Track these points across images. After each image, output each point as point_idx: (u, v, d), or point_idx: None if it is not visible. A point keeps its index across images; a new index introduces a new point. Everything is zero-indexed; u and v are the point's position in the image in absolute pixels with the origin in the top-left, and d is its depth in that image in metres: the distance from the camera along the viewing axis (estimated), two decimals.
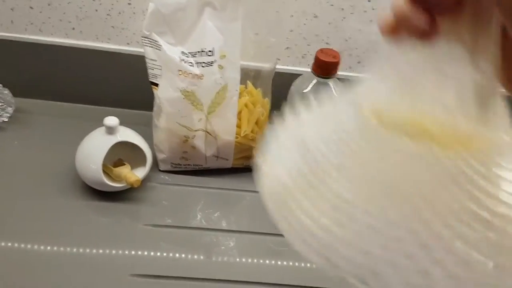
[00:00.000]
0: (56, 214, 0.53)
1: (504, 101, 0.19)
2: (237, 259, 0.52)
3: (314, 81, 0.55)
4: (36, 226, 0.52)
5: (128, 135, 0.55)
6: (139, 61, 0.56)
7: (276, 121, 0.25)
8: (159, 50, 0.52)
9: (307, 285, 0.50)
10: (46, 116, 0.66)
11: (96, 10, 0.63)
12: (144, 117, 0.63)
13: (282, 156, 0.23)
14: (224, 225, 0.56)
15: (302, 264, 0.52)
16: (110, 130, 0.53)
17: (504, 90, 0.19)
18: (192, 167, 0.61)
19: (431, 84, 0.19)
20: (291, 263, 0.52)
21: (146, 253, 0.51)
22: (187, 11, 0.51)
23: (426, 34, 0.18)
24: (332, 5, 0.63)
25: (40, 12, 0.63)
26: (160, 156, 0.60)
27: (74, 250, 0.50)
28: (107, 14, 0.64)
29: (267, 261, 0.52)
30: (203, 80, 0.53)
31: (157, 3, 0.50)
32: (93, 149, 0.54)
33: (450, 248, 0.18)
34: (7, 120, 0.63)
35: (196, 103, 0.54)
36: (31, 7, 0.63)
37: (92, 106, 0.69)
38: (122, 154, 0.56)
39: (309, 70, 0.55)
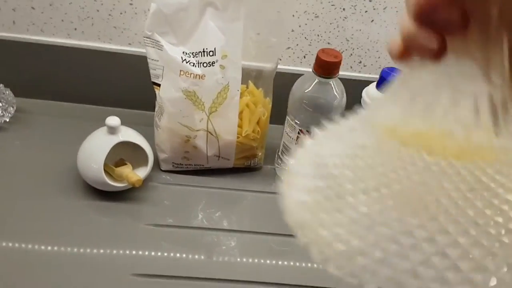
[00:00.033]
0: (57, 214, 0.53)
1: None
2: (238, 259, 0.52)
3: (315, 81, 0.55)
4: (37, 226, 0.52)
5: (129, 135, 0.55)
6: (141, 61, 0.56)
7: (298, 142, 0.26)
8: (161, 50, 0.52)
9: (308, 284, 0.50)
10: (47, 116, 0.67)
11: (98, 11, 0.63)
12: (146, 117, 0.63)
13: (301, 174, 0.24)
14: (225, 225, 0.56)
15: (303, 264, 0.52)
16: (112, 130, 0.53)
17: None
18: (193, 167, 0.61)
19: (444, 100, 0.19)
20: (292, 263, 0.52)
21: (147, 252, 0.51)
22: (189, 11, 0.51)
23: (435, 53, 0.18)
24: (333, 5, 0.63)
25: (42, 13, 0.64)
26: (162, 156, 0.60)
27: (75, 249, 0.50)
28: (109, 15, 0.64)
29: (268, 261, 0.52)
30: (204, 80, 0.53)
31: (159, 3, 0.50)
32: (95, 148, 0.54)
33: (467, 254, 0.18)
34: (8, 120, 0.63)
35: (198, 103, 0.54)
36: (33, 8, 0.63)
37: (94, 106, 0.69)
38: (124, 154, 0.56)
39: (310, 70, 0.55)
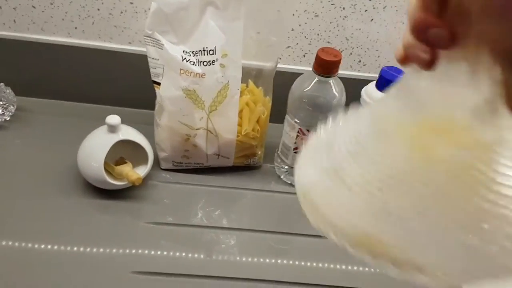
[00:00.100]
0: (57, 212, 0.54)
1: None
2: (238, 257, 0.52)
3: (315, 80, 0.55)
4: (37, 225, 0.52)
5: (129, 133, 0.55)
6: (141, 60, 0.56)
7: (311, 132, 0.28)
8: (161, 49, 0.53)
9: (307, 282, 0.50)
10: (48, 115, 0.67)
11: (98, 9, 0.63)
12: (146, 115, 0.63)
13: (312, 157, 0.28)
14: (224, 223, 0.56)
15: (303, 263, 0.53)
16: (112, 129, 0.54)
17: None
18: (193, 165, 0.61)
19: (439, 100, 0.22)
20: (291, 261, 0.53)
21: (147, 251, 0.51)
22: (189, 10, 0.51)
23: (427, 63, 0.21)
24: (333, 4, 0.63)
25: (43, 11, 0.64)
26: (162, 154, 0.60)
27: (75, 247, 0.50)
28: (109, 13, 0.64)
29: (268, 259, 0.53)
30: (204, 78, 0.53)
31: (160, 3, 0.50)
32: (95, 147, 0.54)
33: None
34: (9, 118, 0.63)
35: (198, 102, 0.55)
36: (34, 6, 0.63)
37: (94, 105, 0.70)
38: (124, 152, 0.57)
39: (310, 69, 0.55)
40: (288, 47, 0.67)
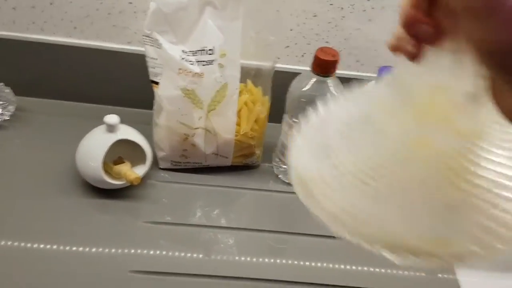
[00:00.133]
0: (56, 212, 0.54)
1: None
2: (236, 257, 0.52)
3: (313, 80, 0.55)
4: (36, 224, 0.52)
5: (128, 133, 0.56)
6: (140, 59, 0.57)
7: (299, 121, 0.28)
8: (160, 48, 0.53)
9: (306, 281, 0.51)
10: (47, 114, 0.67)
11: (97, 9, 0.64)
12: (145, 115, 0.63)
13: (303, 145, 0.29)
14: (223, 222, 0.56)
15: (301, 262, 0.53)
16: (111, 128, 0.54)
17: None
18: (191, 165, 0.61)
19: (425, 90, 0.23)
20: (290, 261, 0.53)
21: (145, 250, 0.51)
22: (188, 10, 0.51)
23: (414, 56, 0.23)
24: (331, 4, 0.63)
25: (42, 11, 0.64)
26: (160, 154, 0.60)
27: (74, 247, 0.50)
28: (108, 13, 0.64)
29: (266, 259, 0.53)
30: (203, 78, 0.53)
31: (159, 2, 0.50)
32: (94, 147, 0.54)
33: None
34: (8, 118, 0.63)
35: (196, 101, 0.55)
36: (33, 6, 0.63)
37: (93, 105, 0.70)
38: (122, 152, 0.57)
39: (309, 68, 0.55)
40: (287, 47, 0.68)
